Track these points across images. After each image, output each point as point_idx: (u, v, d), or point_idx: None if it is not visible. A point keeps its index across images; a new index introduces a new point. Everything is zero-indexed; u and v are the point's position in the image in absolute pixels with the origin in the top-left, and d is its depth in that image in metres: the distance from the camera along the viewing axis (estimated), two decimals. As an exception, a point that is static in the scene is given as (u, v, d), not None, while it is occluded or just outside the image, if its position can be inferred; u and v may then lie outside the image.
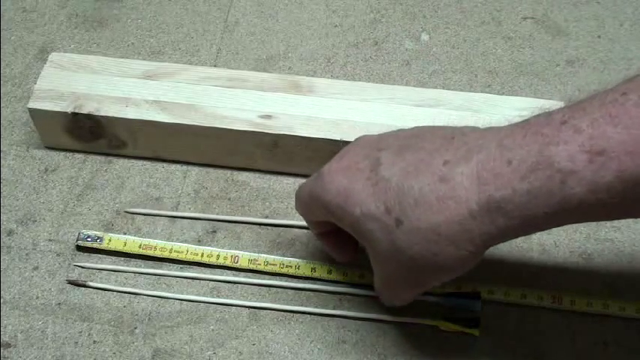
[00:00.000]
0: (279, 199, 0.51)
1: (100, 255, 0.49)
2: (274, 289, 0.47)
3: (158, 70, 0.52)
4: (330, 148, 0.49)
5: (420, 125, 0.41)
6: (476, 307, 0.45)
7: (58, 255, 0.49)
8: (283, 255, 0.48)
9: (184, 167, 0.53)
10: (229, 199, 0.51)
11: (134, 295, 0.47)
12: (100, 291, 0.47)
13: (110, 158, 0.53)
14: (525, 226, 0.34)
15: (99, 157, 0.53)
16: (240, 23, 0.61)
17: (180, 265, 0.48)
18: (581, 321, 0.46)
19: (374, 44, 0.60)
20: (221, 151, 0.51)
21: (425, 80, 0.58)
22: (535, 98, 0.52)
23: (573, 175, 0.32)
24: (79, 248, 0.49)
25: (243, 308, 0.47)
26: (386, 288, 0.42)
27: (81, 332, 0.46)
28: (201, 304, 0.47)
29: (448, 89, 0.55)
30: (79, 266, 0.48)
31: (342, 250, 0.45)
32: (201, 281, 0.48)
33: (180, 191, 0.52)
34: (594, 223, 0.50)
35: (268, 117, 0.50)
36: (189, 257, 0.48)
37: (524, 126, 0.34)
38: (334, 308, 0.47)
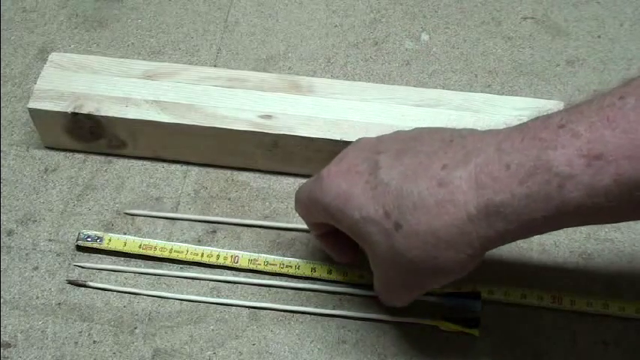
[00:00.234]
0: (279, 199, 0.51)
1: (100, 255, 0.49)
2: (274, 289, 0.47)
3: (158, 70, 0.52)
4: (330, 148, 0.49)
5: (419, 127, 0.41)
6: (476, 307, 0.45)
7: (58, 255, 0.49)
8: (283, 255, 0.48)
9: (184, 167, 0.53)
10: (229, 199, 0.51)
11: (134, 295, 0.47)
12: (100, 291, 0.47)
13: (110, 158, 0.53)
14: (524, 230, 0.34)
15: (99, 157, 0.53)
16: (240, 23, 0.61)
17: (180, 265, 0.48)
18: (581, 321, 0.46)
19: (374, 44, 0.60)
20: (221, 151, 0.51)
21: (425, 80, 0.58)
22: (535, 98, 0.52)
23: (571, 180, 0.32)
24: (79, 248, 0.49)
25: (243, 308, 0.47)
26: (385, 290, 0.42)
27: (81, 332, 0.46)
28: (201, 304, 0.47)
29: (448, 89, 0.55)
30: (79, 266, 0.48)
31: (342, 252, 0.45)
32: (201, 281, 0.48)
33: (180, 191, 0.52)
34: (594, 224, 0.50)
35: (268, 117, 0.50)
36: (189, 257, 0.48)
37: (522, 129, 0.34)
38: (334, 308, 0.47)
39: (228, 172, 0.53)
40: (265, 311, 0.46)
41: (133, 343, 0.45)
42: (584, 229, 0.49)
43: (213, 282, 0.48)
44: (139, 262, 0.48)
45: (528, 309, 0.46)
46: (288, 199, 0.51)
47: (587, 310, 0.46)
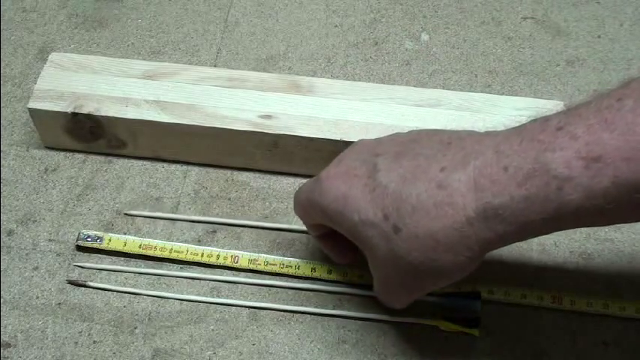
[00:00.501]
0: (279, 199, 0.51)
1: (100, 255, 0.49)
2: (274, 289, 0.47)
3: (158, 70, 0.52)
4: (330, 148, 0.49)
5: (417, 129, 0.41)
6: (476, 307, 0.45)
7: (58, 255, 0.49)
8: (283, 255, 0.48)
9: (184, 167, 0.53)
10: (229, 199, 0.51)
11: (134, 295, 0.47)
12: (100, 291, 0.47)
13: (110, 158, 0.53)
14: (523, 232, 0.34)
15: (99, 157, 0.53)
16: (240, 23, 0.61)
17: (180, 265, 0.48)
18: (581, 321, 0.46)
19: (374, 44, 0.60)
20: (221, 151, 0.51)
21: (425, 80, 0.58)
22: (535, 98, 0.52)
23: (570, 182, 0.32)
24: (79, 248, 0.49)
25: (243, 308, 0.47)
26: (385, 292, 0.42)
27: (81, 332, 0.46)
28: (201, 304, 0.47)
29: (448, 89, 0.55)
30: (78, 266, 0.48)
31: (341, 253, 0.45)
32: (201, 281, 0.48)
33: (180, 191, 0.52)
34: (594, 223, 0.50)
35: (268, 117, 0.50)
36: (189, 257, 0.48)
37: (521, 132, 0.34)
38: (334, 308, 0.47)
39: (228, 172, 0.53)
40: (265, 311, 0.46)
41: (133, 343, 0.45)
42: (584, 229, 0.49)
43: (213, 282, 0.48)
44: (139, 262, 0.48)
45: (528, 309, 0.46)
46: (288, 199, 0.51)
47: (587, 310, 0.46)
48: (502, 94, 0.55)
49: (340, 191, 0.38)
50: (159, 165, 0.53)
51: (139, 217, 0.50)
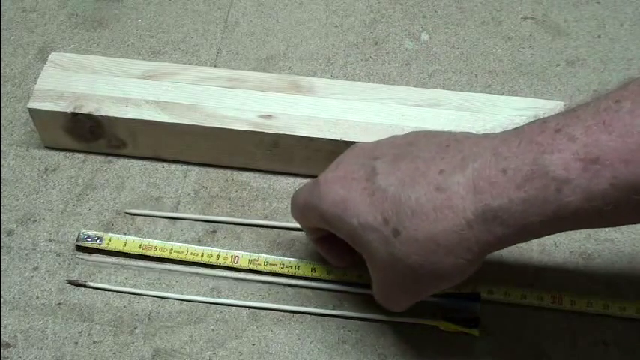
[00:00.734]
0: (279, 199, 0.51)
1: (100, 255, 0.49)
2: (274, 289, 0.47)
3: (158, 70, 0.52)
4: (330, 148, 0.49)
5: (414, 131, 0.41)
6: (475, 307, 0.45)
7: (58, 255, 0.49)
8: (283, 255, 0.48)
9: (184, 167, 0.53)
10: (229, 199, 0.51)
11: (134, 295, 0.47)
12: (100, 291, 0.47)
13: (110, 158, 0.53)
14: (522, 234, 0.34)
15: (99, 157, 0.53)
16: (240, 23, 0.61)
17: (180, 265, 0.48)
18: (581, 321, 0.46)
19: (374, 44, 0.60)
20: (221, 151, 0.51)
21: (425, 80, 0.58)
22: (535, 98, 0.52)
23: (568, 184, 0.32)
24: (79, 248, 0.49)
25: (243, 308, 0.47)
26: (384, 296, 0.42)
27: (81, 332, 0.46)
28: (201, 304, 0.47)
29: (448, 89, 0.55)
30: (82, 259, 0.48)
31: (338, 256, 0.45)
32: (201, 281, 0.48)
33: (180, 191, 0.52)
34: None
35: (268, 117, 0.50)
36: (189, 257, 0.48)
37: (519, 133, 0.34)
38: (334, 308, 0.47)
39: (228, 172, 0.53)
40: (265, 311, 0.46)
41: (133, 343, 0.45)
42: (584, 229, 0.49)
43: (213, 282, 0.48)
44: (139, 262, 0.48)
45: (528, 309, 0.46)
46: (288, 199, 0.51)
47: (587, 310, 0.46)
48: (502, 94, 0.55)
49: (339, 195, 0.38)
50: (159, 165, 0.53)
51: (139, 217, 0.50)
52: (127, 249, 0.48)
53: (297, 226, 0.49)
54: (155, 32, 0.60)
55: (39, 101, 0.50)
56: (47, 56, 0.53)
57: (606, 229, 0.49)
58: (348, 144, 0.48)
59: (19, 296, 0.47)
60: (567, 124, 0.33)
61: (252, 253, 0.48)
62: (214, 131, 0.49)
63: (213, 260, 0.48)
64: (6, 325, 0.46)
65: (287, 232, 0.50)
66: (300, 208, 0.42)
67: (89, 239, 0.48)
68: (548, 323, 0.46)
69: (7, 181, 0.52)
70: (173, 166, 0.53)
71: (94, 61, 0.53)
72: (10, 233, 0.49)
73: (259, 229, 0.50)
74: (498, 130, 0.36)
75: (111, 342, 0.45)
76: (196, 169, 0.53)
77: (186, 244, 0.48)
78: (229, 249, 0.49)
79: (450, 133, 0.38)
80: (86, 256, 0.48)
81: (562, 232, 0.49)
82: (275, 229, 0.50)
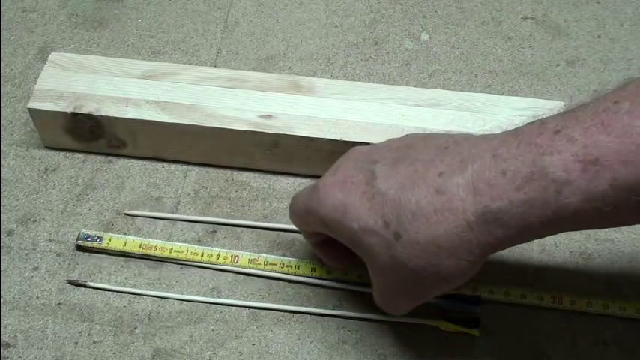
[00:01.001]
0: (279, 199, 0.51)
1: (100, 255, 0.49)
2: (274, 289, 0.47)
3: (158, 70, 0.52)
4: (330, 148, 0.49)
5: (412, 134, 0.40)
6: (475, 308, 0.45)
7: (58, 255, 0.49)
8: (283, 255, 0.48)
9: (184, 167, 0.53)
10: (229, 199, 0.51)
11: (134, 295, 0.47)
12: (100, 291, 0.47)
13: (110, 158, 0.53)
14: (522, 235, 0.34)
15: (99, 157, 0.53)
16: (240, 23, 0.61)
17: (180, 265, 0.48)
18: (581, 321, 0.46)
19: (374, 44, 0.60)
20: (221, 151, 0.51)
21: (425, 80, 0.58)
22: (535, 98, 0.52)
23: (568, 185, 0.32)
24: (79, 248, 0.49)
25: (243, 308, 0.47)
26: (385, 299, 0.42)
27: (81, 332, 0.46)
28: (201, 304, 0.47)
29: (448, 89, 0.55)
30: (83, 251, 0.48)
31: (338, 259, 0.45)
32: (202, 281, 0.48)
33: (180, 191, 0.52)
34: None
35: (268, 117, 0.50)
36: (189, 257, 0.48)
37: (518, 135, 0.34)
38: (334, 308, 0.47)
39: (228, 172, 0.53)
40: (265, 311, 0.46)
41: (133, 343, 0.45)
42: (584, 229, 0.49)
43: (213, 282, 0.48)
44: (139, 262, 0.48)
45: (528, 309, 0.46)
46: (288, 199, 0.51)
47: (587, 310, 0.46)
48: (502, 94, 0.55)
49: (338, 200, 0.38)
50: (159, 165, 0.53)
51: (139, 217, 0.50)
52: (127, 249, 0.48)
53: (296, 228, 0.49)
54: (155, 32, 0.60)
55: (39, 101, 0.50)
56: (47, 56, 0.53)
57: (606, 229, 0.49)
58: (348, 144, 0.48)
59: (19, 296, 0.47)
60: (566, 125, 0.33)
61: (252, 253, 0.48)
62: (214, 131, 0.49)
63: (213, 260, 0.48)
64: (6, 325, 0.46)
65: (287, 232, 0.50)
66: (300, 213, 0.42)
67: (89, 239, 0.48)
68: (548, 323, 0.46)
69: (7, 181, 0.52)
70: (173, 166, 0.53)
71: (94, 61, 0.53)
72: (10, 233, 0.49)
73: (259, 229, 0.50)
74: (498, 131, 0.36)
75: (111, 342, 0.45)
76: (196, 169, 0.53)
77: (186, 244, 0.48)
78: (229, 249, 0.49)
79: (448, 135, 0.38)
80: (86, 255, 0.48)
81: (562, 233, 0.49)
82: (275, 230, 0.50)
